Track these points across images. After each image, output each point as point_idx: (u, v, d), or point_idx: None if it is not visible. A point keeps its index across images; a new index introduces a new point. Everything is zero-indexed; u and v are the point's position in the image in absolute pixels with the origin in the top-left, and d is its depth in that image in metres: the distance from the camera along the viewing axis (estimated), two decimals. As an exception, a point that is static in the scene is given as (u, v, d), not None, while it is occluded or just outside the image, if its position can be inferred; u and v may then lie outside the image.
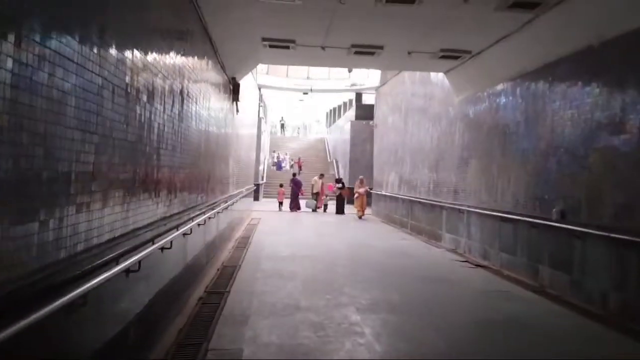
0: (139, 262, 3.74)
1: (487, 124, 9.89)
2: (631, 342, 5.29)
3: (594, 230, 6.35)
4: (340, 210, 20.68)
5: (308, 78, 29.52)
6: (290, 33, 8.82)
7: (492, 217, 9.36)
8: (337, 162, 33.10)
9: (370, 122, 21.95)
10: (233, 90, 10.42)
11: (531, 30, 7.53)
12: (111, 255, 3.39)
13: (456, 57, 9.72)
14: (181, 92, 5.45)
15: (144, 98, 4.10)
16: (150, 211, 4.44)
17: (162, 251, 4.57)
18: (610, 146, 6.21)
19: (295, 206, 21.75)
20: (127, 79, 3.62)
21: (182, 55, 5.58)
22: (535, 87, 8.12)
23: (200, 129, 6.79)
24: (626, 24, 5.83)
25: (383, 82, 20.44)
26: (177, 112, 5.25)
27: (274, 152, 36.83)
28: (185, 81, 5.63)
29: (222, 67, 8.96)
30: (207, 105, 7.36)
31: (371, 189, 20.09)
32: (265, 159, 32.96)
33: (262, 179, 29.79)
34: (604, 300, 6.20)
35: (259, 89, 27.02)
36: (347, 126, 29.04)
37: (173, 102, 5.09)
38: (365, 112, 27.34)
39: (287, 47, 9.44)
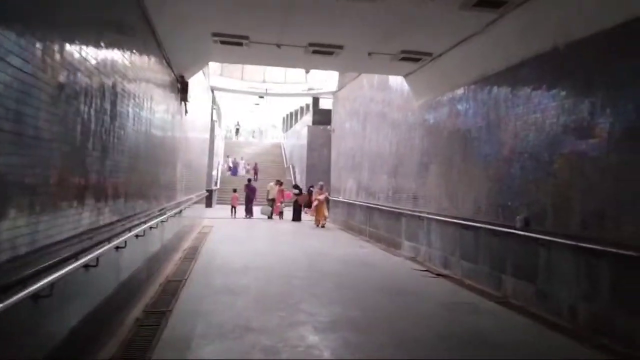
0: (52, 284, 3.10)
1: (448, 129, 9.62)
2: (602, 358, 5.01)
3: (561, 239, 6.09)
4: (297, 217, 20.10)
5: (264, 81, 28.87)
6: (243, 28, 8.24)
7: (453, 225, 9.06)
8: (293, 167, 32.56)
9: (328, 127, 21.57)
10: (181, 90, 9.71)
11: (494, 31, 7.27)
12: (14, 279, 2.75)
13: (417, 60, 9.41)
14: (113, 87, 4.77)
15: (64, 92, 3.45)
16: (72, 222, 3.76)
17: (86, 269, 3.91)
18: (578, 151, 5.97)
19: (249, 212, 21.05)
20: (41, 69, 3.00)
21: (116, 48, 4.92)
22: (497, 91, 7.87)
23: (140, 130, 6.10)
24: (595, 24, 5.60)
25: (341, 87, 20.09)
26: (107, 110, 4.57)
27: (228, 156, 35.86)
28: (119, 77, 4.95)
29: (168, 64, 8.27)
30: (149, 105, 6.67)
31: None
32: (219, 164, 32.00)
33: (216, 185, 28.84)
34: (572, 312, 5.93)
35: (212, 91, 26.19)
36: (304, 131, 28.59)
37: (102, 98, 4.41)
38: (322, 117, 26.98)
39: (240, 44, 8.84)
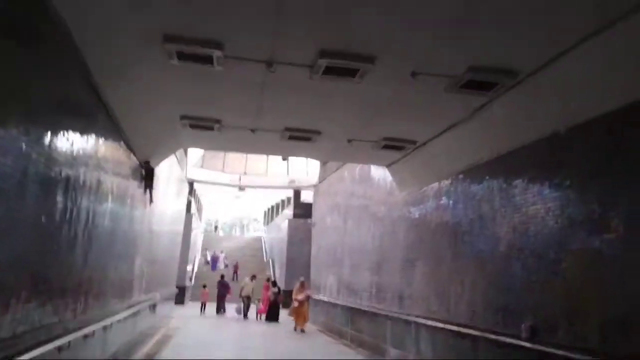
0: None
1: (435, 222, 8.83)
2: None
3: (578, 354, 5.05)
4: (273, 317, 18.47)
5: (245, 173, 28.46)
6: (215, 111, 7.64)
7: (445, 331, 7.94)
8: (273, 262, 31.22)
9: (309, 221, 20.72)
10: (146, 177, 8.89)
11: (484, 116, 6.74)
12: None
13: (400, 148, 8.84)
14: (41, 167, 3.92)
15: None
16: None
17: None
18: (590, 248, 5.14)
19: (220, 310, 19.49)
20: None
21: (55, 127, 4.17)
22: (489, 181, 7.20)
23: (79, 218, 5.15)
24: (602, 105, 5.04)
25: (322, 179, 19.59)
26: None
27: (207, 249, 34.39)
28: (50, 158, 4.13)
29: (129, 148, 7.52)
30: (96, 191, 5.79)
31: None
32: (196, 258, 30.52)
33: (191, 281, 27.20)
34: None
35: (191, 183, 25.52)
36: (285, 225, 27.68)
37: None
38: (303, 211, 26.25)
39: (212, 128, 8.20)
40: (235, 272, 30.84)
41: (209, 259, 33.08)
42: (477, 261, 7.30)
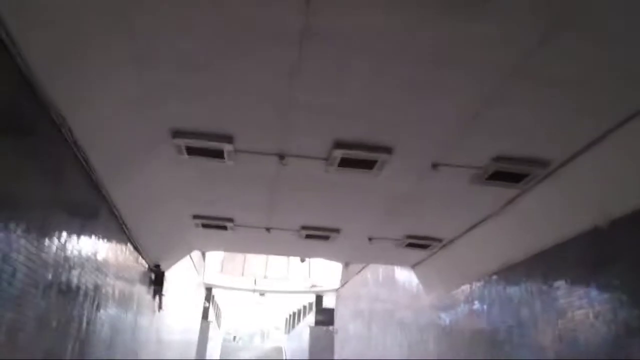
0: None
1: (468, 329, 7.95)
2: None
3: None
4: None
5: (265, 277, 27.65)
6: (227, 209, 7.31)
7: None
8: (294, 375, 29.15)
9: (331, 328, 19.48)
10: (155, 281, 8.40)
11: (516, 210, 6.21)
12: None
13: (425, 247, 8.25)
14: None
15: None
16: None
17: None
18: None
19: None
20: None
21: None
22: (527, 282, 6.47)
23: (68, 327, 4.62)
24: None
25: (344, 282, 18.72)
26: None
27: (221, 364, 32.38)
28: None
29: (137, 250, 7.14)
30: (93, 295, 5.31)
31: None
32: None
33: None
34: None
35: (209, 288, 24.76)
36: (306, 333, 26.15)
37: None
38: (326, 317, 24.85)
39: (225, 228, 7.83)
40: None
41: None
42: (522, 376, 6.34)
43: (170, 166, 5.72)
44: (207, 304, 20.94)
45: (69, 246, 4.49)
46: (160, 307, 8.99)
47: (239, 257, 28.76)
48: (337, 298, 19.67)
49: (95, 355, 5.61)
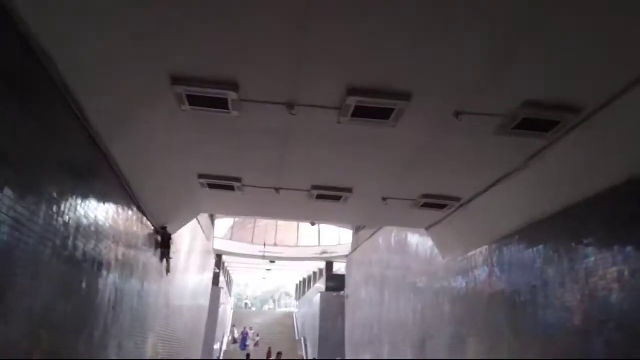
0: None
1: (488, 291, 7.64)
2: None
3: None
4: None
5: (275, 245, 27.58)
6: (234, 167, 6.94)
7: None
8: (305, 340, 29.40)
9: (342, 293, 19.38)
10: (162, 244, 8.14)
11: (542, 163, 5.78)
12: None
13: (441, 207, 7.87)
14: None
15: None
16: None
17: None
18: None
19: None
20: None
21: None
22: (554, 240, 6.10)
23: (66, 290, 4.34)
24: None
25: (355, 248, 18.50)
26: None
27: (234, 326, 32.68)
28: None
29: (141, 211, 6.83)
30: (93, 257, 5.03)
31: None
32: (225, 335, 29.05)
33: (219, 360, 25.64)
34: None
35: (219, 255, 24.73)
36: (317, 298, 26.23)
37: None
38: (336, 283, 24.85)
39: (232, 188, 7.48)
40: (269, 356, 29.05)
41: (236, 336, 31.18)
42: (545, 337, 6.04)
43: (172, 119, 5.33)
44: (217, 270, 20.86)
45: (64, 206, 4.17)
46: (168, 270, 8.76)
47: (249, 224, 28.67)
48: (348, 264, 19.50)
49: (99, 320, 5.37)
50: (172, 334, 10.30)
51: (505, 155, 5.93)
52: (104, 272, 5.43)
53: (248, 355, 21.57)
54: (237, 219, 27.23)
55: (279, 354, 17.15)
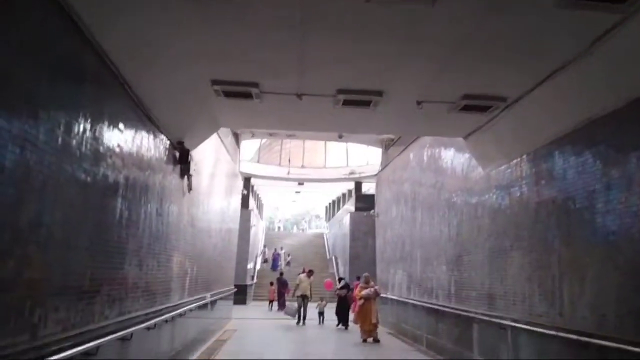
0: None
1: (535, 200, 6.96)
2: None
3: None
4: (343, 320, 15.31)
5: (303, 167, 27.25)
6: (250, 70, 6.18)
7: (558, 340, 6.08)
8: (336, 259, 29.81)
9: (372, 212, 19.05)
10: (180, 159, 7.64)
11: (608, 47, 4.85)
12: None
13: (484, 109, 7.03)
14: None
15: None
16: None
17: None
18: None
19: (282, 306, 18.27)
20: None
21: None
22: (619, 137, 5.29)
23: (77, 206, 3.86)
24: None
25: (384, 165, 17.88)
26: None
27: (265, 247, 33.31)
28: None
29: (153, 123, 6.25)
30: (104, 173, 4.51)
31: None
32: (258, 256, 29.65)
33: (253, 279, 26.29)
34: None
35: (247, 178, 24.56)
36: (346, 219, 26.20)
37: None
38: (366, 203, 24.61)
39: (250, 96, 6.78)
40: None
41: (267, 256, 31.65)
42: (605, 246, 5.40)
43: (174, 12, 4.57)
44: (245, 191, 20.68)
45: (57, 116, 3.59)
46: (189, 188, 8.34)
47: (276, 146, 28.24)
48: (377, 182, 18.97)
49: (112, 237, 4.98)
50: (201, 253, 10.13)
51: (562, 40, 5.01)
52: (115, 188, 4.96)
53: (281, 274, 21.89)
54: (263, 141, 26.80)
55: (310, 271, 17.15)
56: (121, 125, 5.10)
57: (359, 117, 7.82)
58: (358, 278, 16.17)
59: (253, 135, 18.32)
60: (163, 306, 6.98)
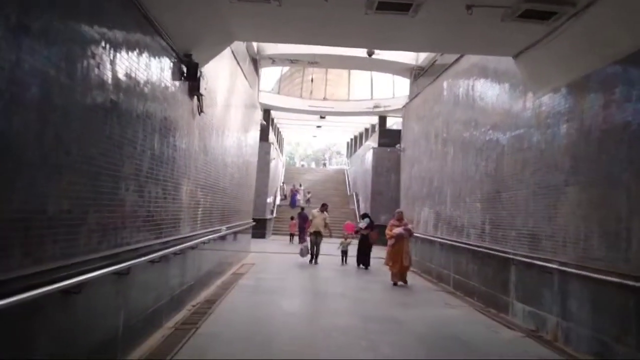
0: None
1: (602, 126, 5.91)
2: None
3: None
4: (364, 260, 13.92)
5: (325, 99, 26.06)
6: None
7: (619, 288, 5.26)
8: (357, 195, 29.18)
9: (397, 146, 18.06)
10: (188, 75, 6.72)
11: None
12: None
13: (547, 15, 5.85)
14: None
15: None
16: None
17: None
18: None
19: (302, 241, 17.86)
20: None
21: None
22: None
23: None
24: None
25: (413, 96, 16.67)
26: None
27: (283, 183, 32.45)
28: None
29: (153, 27, 5.30)
30: (90, 87, 3.64)
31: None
32: (278, 190, 29.15)
33: (272, 213, 25.95)
34: None
35: (267, 110, 23.59)
36: (369, 154, 25.25)
37: None
38: (390, 138, 23.53)
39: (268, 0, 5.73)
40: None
41: (285, 192, 30.63)
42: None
43: None
44: (264, 122, 19.73)
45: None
46: (200, 109, 7.47)
47: (297, 77, 26.96)
48: (405, 114, 17.82)
49: (102, 159, 4.20)
50: (215, 183, 9.41)
51: None
52: (102, 97, 4.11)
53: (302, 209, 21.41)
54: (284, 72, 25.55)
55: (323, 205, 15.25)
56: (107, 21, 4.17)
57: (394, 28, 6.70)
58: (363, 216, 15.25)
59: (273, 62, 17.09)
60: (170, 238, 6.33)
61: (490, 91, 9.52)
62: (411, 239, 12.17)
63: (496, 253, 8.50)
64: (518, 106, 8.15)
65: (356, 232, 14.98)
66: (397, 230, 11.47)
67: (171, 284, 6.58)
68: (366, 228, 14.27)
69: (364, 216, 15.68)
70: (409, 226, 11.87)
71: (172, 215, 6.49)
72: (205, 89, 7.35)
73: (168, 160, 6.16)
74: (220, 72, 9.38)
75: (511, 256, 7.92)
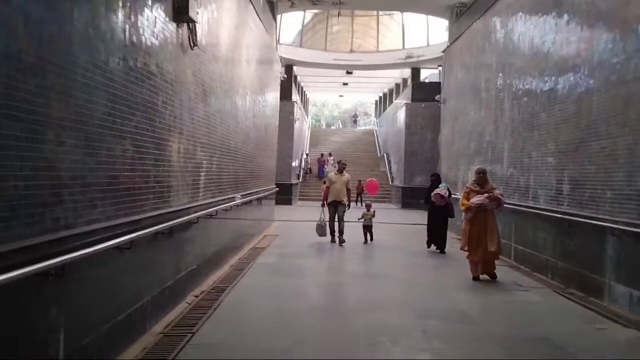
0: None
1: None
2: None
3: None
4: (437, 240, 9.97)
5: (351, 51, 23.84)
6: None
7: None
8: (388, 156, 27.15)
9: (437, 97, 15.96)
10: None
11: None
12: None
13: None
14: None
15: None
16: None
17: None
18: None
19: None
20: None
21: None
22: None
23: None
24: None
25: (455, 38, 14.43)
26: None
27: (307, 155, 27.72)
28: None
29: None
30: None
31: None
32: (303, 154, 27.14)
33: (298, 178, 24.25)
34: None
35: (289, 66, 21.59)
36: (402, 111, 23.05)
37: None
38: (424, 93, 21.31)
39: None
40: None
41: (309, 165, 26.93)
42: None
43: None
44: (284, 76, 17.74)
45: None
46: (193, 42, 5.66)
47: (321, 29, 24.73)
48: (445, 60, 15.60)
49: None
50: (222, 141, 7.66)
51: None
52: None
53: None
54: (306, 22, 23.36)
55: (341, 163, 11.43)
56: None
57: None
58: (433, 177, 10.86)
59: (292, 5, 15.01)
60: (154, 213, 4.65)
61: (560, 17, 7.39)
62: (500, 210, 7.94)
63: (583, 220, 6.58)
64: (605, 25, 6.06)
65: (434, 200, 9.79)
66: (477, 199, 7.49)
67: (159, 274, 4.95)
68: (443, 197, 9.73)
69: (434, 179, 10.65)
70: (496, 192, 7.64)
71: (156, 182, 4.79)
72: (197, 13, 5.50)
73: (143, 110, 4.41)
74: (223, 2, 7.52)
75: (608, 224, 5.99)
